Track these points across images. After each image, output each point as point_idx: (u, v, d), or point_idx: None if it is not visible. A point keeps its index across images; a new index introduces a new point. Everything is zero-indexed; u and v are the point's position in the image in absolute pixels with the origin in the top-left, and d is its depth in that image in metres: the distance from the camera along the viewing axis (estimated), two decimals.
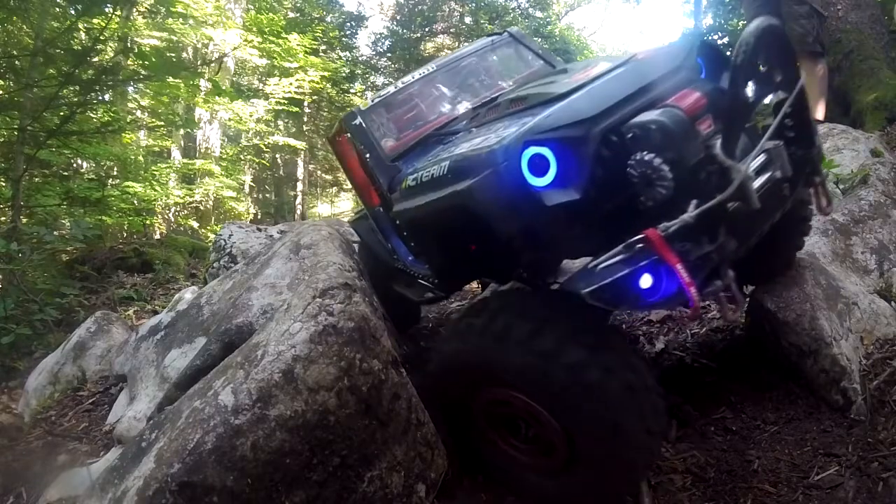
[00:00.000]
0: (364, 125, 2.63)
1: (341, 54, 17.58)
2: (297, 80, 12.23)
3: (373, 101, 2.86)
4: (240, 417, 1.49)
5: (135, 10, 8.21)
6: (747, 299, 2.27)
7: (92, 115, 6.31)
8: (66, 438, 2.49)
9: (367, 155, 2.55)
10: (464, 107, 2.74)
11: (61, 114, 4.92)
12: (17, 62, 5.01)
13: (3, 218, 5.60)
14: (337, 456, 1.58)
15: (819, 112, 3.86)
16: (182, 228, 10.89)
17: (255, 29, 10.83)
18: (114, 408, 2.62)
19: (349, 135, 2.68)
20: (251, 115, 11.78)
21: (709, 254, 1.38)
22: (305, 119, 16.73)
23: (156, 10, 8.92)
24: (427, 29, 19.90)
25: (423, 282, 2.69)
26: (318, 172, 20.61)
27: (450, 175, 1.75)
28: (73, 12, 5.40)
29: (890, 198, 2.76)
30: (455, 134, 2.34)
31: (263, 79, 14.04)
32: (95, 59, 5.29)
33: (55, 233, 5.31)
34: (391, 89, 2.90)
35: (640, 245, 1.38)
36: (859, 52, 4.43)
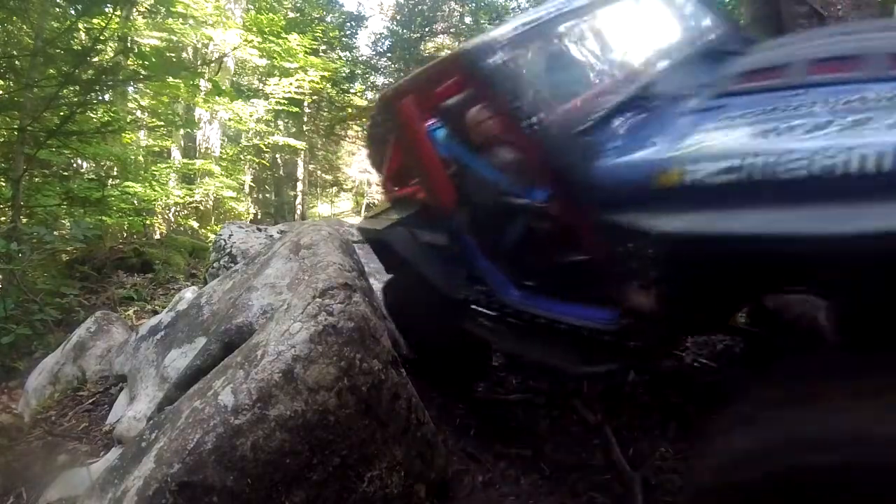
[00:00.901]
0: (512, 65, 1.62)
1: (341, 54, 17.60)
2: (297, 80, 12.23)
3: (516, 29, 1.74)
4: (240, 417, 1.48)
5: (135, 10, 8.20)
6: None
7: (92, 115, 6.31)
8: (66, 438, 2.49)
9: (529, 119, 1.55)
10: (644, 60, 1.83)
11: (61, 114, 4.92)
12: (17, 62, 5.01)
13: (3, 218, 5.60)
14: (337, 456, 1.58)
15: None
16: (182, 228, 10.89)
17: (255, 29, 10.82)
18: (114, 408, 2.62)
19: (482, 80, 1.67)
20: (251, 115, 11.78)
21: None
22: (305, 119, 16.75)
23: (156, 10, 8.92)
24: (427, 29, 19.91)
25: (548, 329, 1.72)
26: (318, 172, 20.64)
27: None
28: (73, 12, 5.41)
29: None
30: (682, 99, 1.53)
31: (263, 79, 14.04)
32: (95, 59, 5.29)
33: (55, 233, 5.31)
34: (542, 14, 1.80)
35: None
36: None
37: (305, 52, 12.05)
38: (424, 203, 2.25)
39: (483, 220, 1.97)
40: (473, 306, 2.06)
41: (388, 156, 2.51)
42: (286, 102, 12.40)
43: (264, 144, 13.56)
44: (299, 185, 17.58)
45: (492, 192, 1.85)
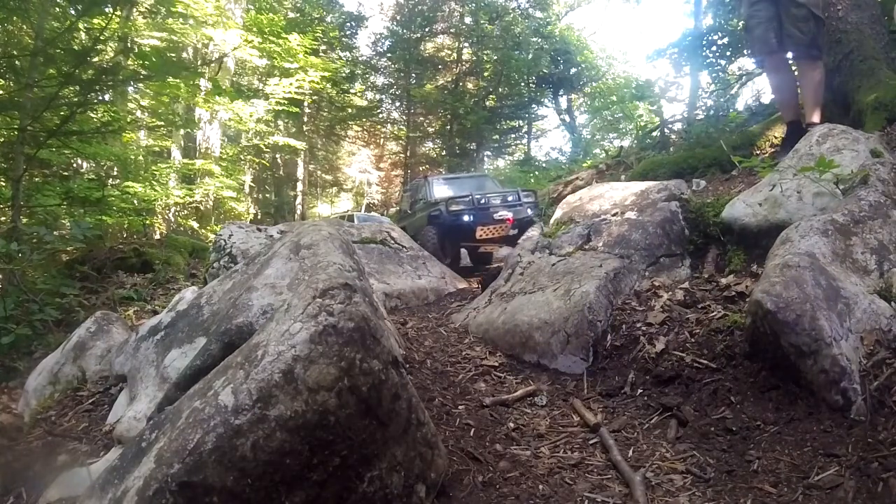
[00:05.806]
0: None
1: (341, 54, 17.62)
2: (297, 80, 12.24)
3: None
4: (240, 417, 1.48)
5: (135, 10, 8.21)
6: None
7: (92, 115, 6.32)
8: (66, 438, 2.49)
9: None
10: None
11: (61, 114, 4.92)
12: (17, 62, 5.01)
13: (3, 218, 5.60)
14: (337, 456, 1.58)
15: (815, 117, 3.88)
16: (182, 228, 10.90)
17: (255, 29, 10.82)
18: (114, 408, 2.62)
19: None
20: (251, 115, 11.79)
21: None
22: (305, 119, 16.76)
23: (156, 10, 8.93)
24: (427, 29, 19.92)
25: None
26: (318, 172, 20.65)
27: None
28: (73, 12, 5.41)
29: (890, 198, 2.76)
30: None
31: (263, 79, 14.05)
32: (95, 59, 5.28)
33: (55, 233, 5.32)
34: None
35: None
36: (859, 52, 4.43)
37: (305, 53, 12.06)
38: None
39: None
40: None
41: None
42: (286, 102, 12.41)
43: (264, 144, 13.56)
44: (299, 185, 17.59)
45: None
